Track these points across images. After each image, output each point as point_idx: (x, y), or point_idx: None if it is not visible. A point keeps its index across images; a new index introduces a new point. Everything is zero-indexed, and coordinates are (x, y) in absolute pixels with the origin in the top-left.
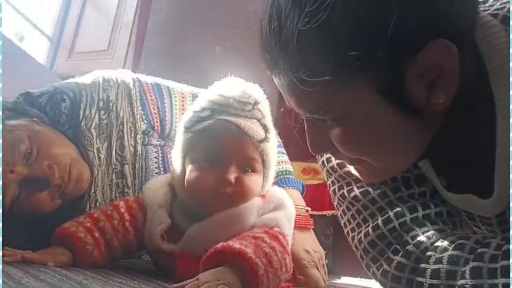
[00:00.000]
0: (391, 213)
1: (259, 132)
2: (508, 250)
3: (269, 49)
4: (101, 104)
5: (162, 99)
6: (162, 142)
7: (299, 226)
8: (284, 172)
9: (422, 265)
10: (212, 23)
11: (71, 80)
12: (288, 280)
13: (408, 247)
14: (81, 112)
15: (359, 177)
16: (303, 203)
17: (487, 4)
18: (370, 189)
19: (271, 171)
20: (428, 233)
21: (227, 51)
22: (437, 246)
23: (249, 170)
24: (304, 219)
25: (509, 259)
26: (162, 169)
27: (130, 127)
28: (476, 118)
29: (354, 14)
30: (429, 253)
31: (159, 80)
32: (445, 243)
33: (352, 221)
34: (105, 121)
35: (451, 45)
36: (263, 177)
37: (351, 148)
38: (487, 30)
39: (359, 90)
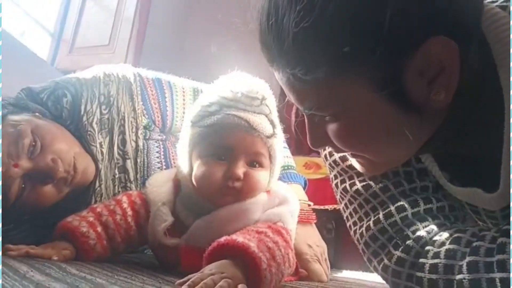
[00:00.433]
0: (392, 207)
1: (267, 128)
2: (503, 243)
3: (267, 45)
4: (102, 99)
5: (163, 93)
6: (164, 137)
7: (301, 220)
8: (286, 167)
9: (421, 260)
10: (213, 16)
11: (72, 75)
12: (290, 274)
13: (408, 242)
14: (82, 107)
15: (361, 170)
16: (305, 197)
17: None
18: (372, 183)
19: (277, 166)
20: (428, 228)
21: (228, 45)
22: (435, 241)
23: (257, 165)
24: (306, 213)
25: (504, 253)
26: (164, 163)
27: (131, 122)
28: (481, 111)
29: (349, 13)
30: (427, 247)
31: (160, 75)
32: (443, 237)
33: (354, 214)
34: (106, 116)
35: (451, 42)
36: (270, 172)
37: (348, 143)
38: (495, 22)
39: (356, 87)
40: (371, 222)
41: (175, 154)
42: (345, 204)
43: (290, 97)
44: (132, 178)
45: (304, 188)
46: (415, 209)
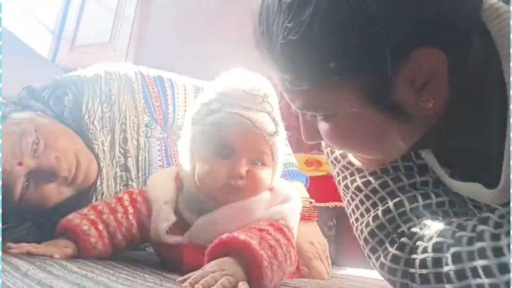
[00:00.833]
0: (390, 203)
1: (270, 126)
2: (482, 231)
3: (260, 47)
4: (103, 97)
5: (165, 91)
6: (165, 135)
7: (303, 218)
8: (288, 164)
9: (413, 256)
10: (215, 13)
11: (73, 73)
12: (292, 272)
13: (402, 239)
14: (84, 105)
15: (359, 164)
16: (307, 195)
17: None
18: (371, 179)
19: (279, 164)
20: (422, 223)
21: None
22: (425, 235)
23: (259, 164)
24: (308, 211)
25: (483, 240)
26: (165, 161)
27: (132, 120)
28: (484, 106)
29: (336, 28)
30: (418, 243)
31: (161, 73)
32: (432, 231)
33: (356, 211)
34: (107, 115)
35: (438, 52)
36: (272, 170)
37: (336, 144)
38: (498, 17)
39: (344, 94)
40: (370, 218)
41: (176, 152)
42: (348, 201)
43: (284, 94)
44: (133, 176)
45: (305, 186)
46: (414, 205)
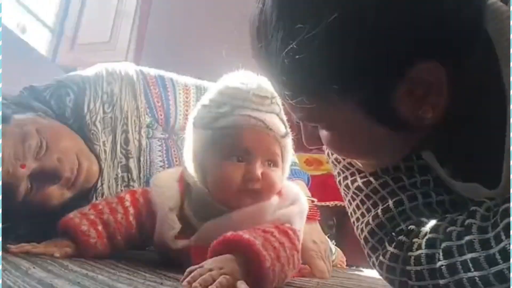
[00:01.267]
0: (390, 202)
1: (281, 127)
2: (469, 224)
3: (259, 61)
4: (105, 97)
5: (166, 92)
6: (166, 135)
7: (307, 217)
8: (290, 164)
9: (409, 253)
10: (216, 13)
11: (74, 73)
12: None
13: (400, 237)
14: (85, 105)
15: (358, 165)
16: (309, 194)
17: None
18: (372, 179)
19: (287, 165)
20: (419, 221)
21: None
22: (420, 232)
23: (272, 165)
24: (311, 210)
25: (471, 234)
26: (166, 162)
27: (134, 120)
28: (484, 108)
29: (337, 42)
30: (414, 240)
31: (162, 73)
32: (427, 228)
33: (357, 211)
34: (109, 115)
35: (438, 65)
36: (282, 171)
37: (337, 151)
38: (496, 19)
39: (346, 108)
40: (370, 218)
41: (177, 153)
42: (349, 201)
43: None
44: (135, 177)
45: (307, 185)
46: (413, 203)
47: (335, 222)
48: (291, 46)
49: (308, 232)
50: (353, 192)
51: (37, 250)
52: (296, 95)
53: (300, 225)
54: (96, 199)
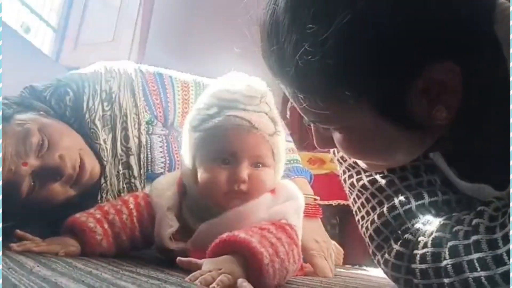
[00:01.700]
0: (396, 200)
1: (269, 126)
2: (477, 224)
3: (270, 64)
4: (104, 95)
5: (165, 89)
6: (167, 131)
7: (308, 215)
8: (292, 161)
9: (415, 251)
10: (218, 12)
11: (74, 72)
12: (296, 270)
13: (406, 235)
14: (85, 104)
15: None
16: (311, 192)
17: None
18: (378, 177)
19: (281, 164)
20: (425, 219)
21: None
22: (426, 230)
23: (260, 166)
24: (313, 208)
25: (478, 233)
26: (167, 158)
27: (133, 118)
28: (492, 109)
29: (351, 44)
30: (420, 238)
31: (161, 70)
32: (433, 226)
33: (362, 209)
34: (108, 113)
35: (453, 65)
36: (274, 170)
37: (349, 153)
38: (504, 19)
39: (359, 109)
40: (375, 216)
41: (178, 149)
42: (353, 199)
43: (296, 107)
44: (136, 174)
45: (309, 182)
46: (419, 202)
47: (338, 221)
48: (304, 48)
49: (310, 231)
50: (358, 190)
51: (39, 248)
52: (309, 97)
53: (297, 221)
54: (101, 196)
